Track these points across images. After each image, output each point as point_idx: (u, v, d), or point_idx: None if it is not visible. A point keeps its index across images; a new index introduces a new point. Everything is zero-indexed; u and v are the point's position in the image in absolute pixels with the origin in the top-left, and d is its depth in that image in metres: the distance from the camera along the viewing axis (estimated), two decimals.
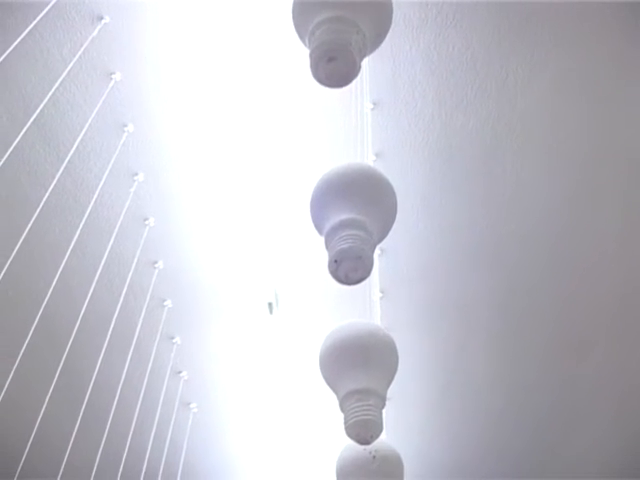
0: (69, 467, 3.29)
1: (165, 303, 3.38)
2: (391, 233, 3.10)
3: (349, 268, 1.52)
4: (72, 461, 3.31)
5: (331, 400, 3.51)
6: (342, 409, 1.62)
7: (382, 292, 3.21)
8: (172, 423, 3.64)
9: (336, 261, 1.53)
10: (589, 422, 3.84)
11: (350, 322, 1.69)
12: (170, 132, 2.93)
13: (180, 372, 3.60)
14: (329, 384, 1.68)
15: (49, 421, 3.26)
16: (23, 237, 2.74)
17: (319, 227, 1.63)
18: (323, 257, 3.13)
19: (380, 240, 1.60)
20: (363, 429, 1.59)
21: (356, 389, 1.60)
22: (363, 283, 2.62)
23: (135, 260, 3.19)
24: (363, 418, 1.58)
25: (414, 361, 3.46)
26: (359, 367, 1.61)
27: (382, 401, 1.61)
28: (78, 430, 3.24)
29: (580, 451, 3.94)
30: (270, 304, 3.25)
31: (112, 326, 3.23)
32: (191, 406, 3.70)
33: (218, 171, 2.99)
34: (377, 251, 3.09)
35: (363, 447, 1.71)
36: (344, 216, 1.55)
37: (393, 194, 1.64)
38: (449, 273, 3.32)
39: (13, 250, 2.70)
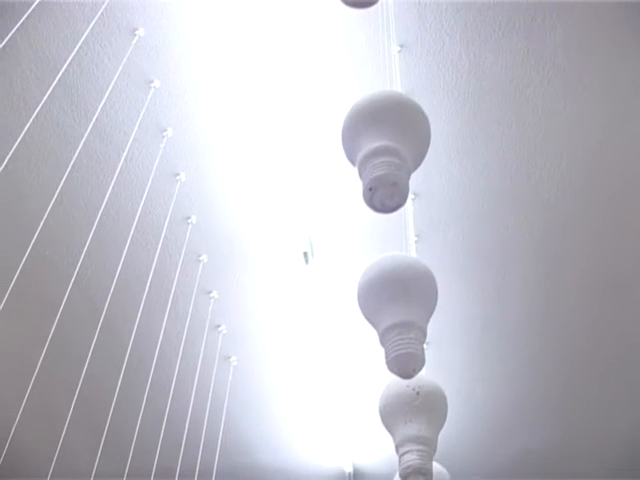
0: (113, 425, 3.33)
1: (200, 258, 3.38)
2: (424, 177, 3.11)
3: (385, 195, 1.49)
4: (115, 419, 3.34)
5: (371, 344, 3.51)
6: (382, 344, 1.60)
7: (417, 236, 3.20)
8: (213, 377, 3.66)
9: (371, 189, 1.49)
10: (628, 361, 3.81)
11: (388, 255, 1.66)
12: (197, 84, 2.91)
13: (219, 326, 3.61)
14: (368, 319, 1.65)
15: (91, 381, 3.29)
16: (54, 198, 2.74)
17: (352, 158, 1.59)
18: (357, 204, 3.12)
19: (415, 167, 1.56)
20: (405, 363, 1.57)
21: (396, 323, 1.57)
22: (398, 227, 2.61)
23: (168, 216, 3.19)
24: (404, 351, 1.56)
25: (451, 305, 3.44)
26: (399, 300, 1.59)
27: (423, 334, 1.59)
28: (120, 388, 3.26)
29: (618, 395, 3.92)
30: (305, 254, 3.24)
31: (149, 283, 3.24)
32: (231, 360, 3.72)
33: (246, 120, 2.97)
34: (411, 195, 3.06)
35: (406, 384, 1.69)
36: (377, 144, 1.51)
37: (426, 120, 1.61)
38: (483, 216, 3.29)
39: (46, 211, 2.71)
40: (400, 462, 1.61)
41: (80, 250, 2.96)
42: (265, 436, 3.98)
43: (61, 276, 3.18)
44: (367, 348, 3.55)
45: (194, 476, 3.85)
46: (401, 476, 1.60)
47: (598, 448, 4.01)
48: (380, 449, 3.98)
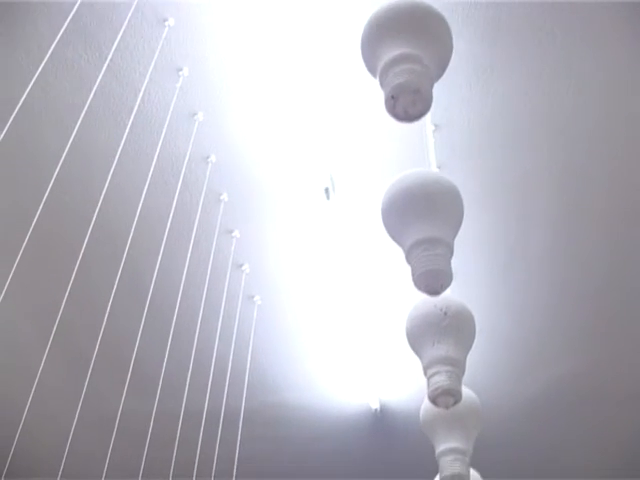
0: (138, 367, 3.34)
1: (221, 197, 3.36)
2: (445, 108, 3.06)
3: (407, 103, 1.45)
4: (140, 361, 3.36)
5: (394, 278, 3.50)
6: (409, 261, 1.58)
7: (439, 167, 3.16)
8: (237, 317, 3.66)
9: (393, 97, 1.45)
10: None
11: (412, 171, 1.63)
12: (212, 20, 2.86)
13: (241, 265, 3.60)
14: (394, 238, 1.62)
15: (115, 323, 3.31)
16: (71, 141, 2.72)
17: (372, 68, 1.55)
18: (377, 138, 3.08)
19: (438, 75, 1.52)
20: (432, 279, 1.55)
21: (423, 239, 1.55)
22: (420, 159, 2.58)
23: (187, 156, 3.17)
24: (432, 268, 1.54)
25: (475, 237, 3.41)
26: (424, 216, 1.56)
27: (450, 250, 1.57)
28: (144, 331, 3.27)
29: None
30: (327, 189, 3.21)
31: (169, 224, 3.23)
32: (255, 299, 3.72)
33: (264, 56, 2.92)
34: (432, 127, 3.02)
35: (434, 304, 1.66)
36: (397, 51, 1.47)
37: (447, 27, 1.56)
38: (505, 146, 3.25)
39: (62, 155, 2.69)
40: (429, 384, 1.60)
41: (99, 193, 2.94)
42: (291, 374, 3.99)
43: (81, 219, 3.16)
44: (391, 282, 3.54)
45: (220, 416, 3.87)
46: (430, 398, 1.58)
47: (627, 373, 4.00)
48: (407, 385, 3.99)
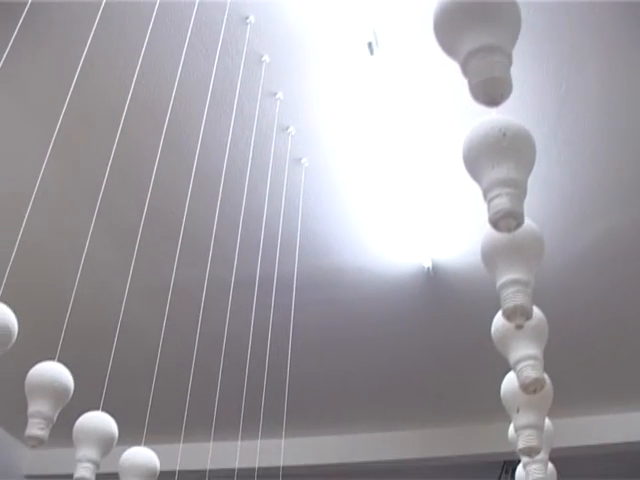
0: (188, 234, 3.33)
1: (262, 59, 3.26)
2: None
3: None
4: (189, 228, 3.35)
5: (443, 129, 3.40)
6: (465, 73, 1.48)
7: None
8: (285, 180, 3.61)
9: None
10: None
11: None
12: None
13: (287, 128, 3.52)
14: (448, 49, 1.52)
15: (161, 193, 3.29)
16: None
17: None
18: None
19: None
20: (491, 87, 1.46)
21: (479, 46, 1.46)
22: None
23: (225, 17, 3.06)
24: (490, 75, 1.47)
25: (525, 91, 3.29)
26: (481, 22, 1.47)
27: (509, 60, 1.48)
28: (191, 198, 3.25)
29: None
30: (370, 44, 3.08)
31: (211, 89, 3.16)
32: (302, 161, 3.65)
33: None
34: None
35: (491, 125, 1.57)
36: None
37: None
38: None
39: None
40: (489, 208, 1.52)
41: (135, 62, 2.87)
42: (342, 236, 3.96)
43: (120, 87, 3.10)
44: (439, 136, 3.45)
45: (273, 281, 3.88)
46: (491, 222, 1.51)
47: None
48: (459, 243, 3.94)
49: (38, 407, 2.08)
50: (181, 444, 3.53)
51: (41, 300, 4.27)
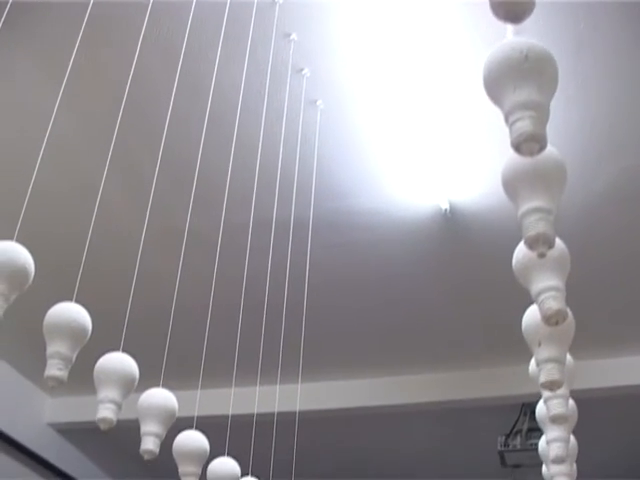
0: (201, 179, 3.31)
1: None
2: None
3: None
4: (203, 173, 3.33)
5: (462, 68, 3.35)
6: None
7: None
8: (300, 123, 3.58)
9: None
10: None
11: None
12: None
13: (301, 70, 3.48)
14: None
15: (175, 135, 3.26)
16: None
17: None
18: None
19: None
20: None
21: None
22: None
23: None
24: None
25: (542, 30, 3.22)
26: None
27: None
28: (205, 142, 3.22)
29: None
30: None
31: (223, 29, 3.11)
32: (317, 103, 3.61)
33: None
34: None
35: (512, 47, 1.53)
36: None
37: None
38: None
39: None
40: (511, 132, 1.49)
41: (147, 2, 2.83)
42: (359, 179, 3.93)
43: (132, 31, 3.06)
44: (458, 75, 3.39)
45: (290, 224, 3.87)
46: (513, 146, 1.48)
47: None
48: (476, 183, 3.90)
49: (56, 348, 2.07)
50: (199, 390, 3.54)
51: (56, 245, 4.27)
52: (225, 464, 2.87)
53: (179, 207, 3.80)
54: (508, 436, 5.64)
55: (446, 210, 4.00)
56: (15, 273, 1.99)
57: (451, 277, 4.57)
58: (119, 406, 2.23)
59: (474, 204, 4.01)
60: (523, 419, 5.64)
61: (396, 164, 3.80)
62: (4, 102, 3.72)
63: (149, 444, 2.37)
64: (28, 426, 5.94)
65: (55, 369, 2.06)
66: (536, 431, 5.45)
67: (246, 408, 4.37)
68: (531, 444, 5.47)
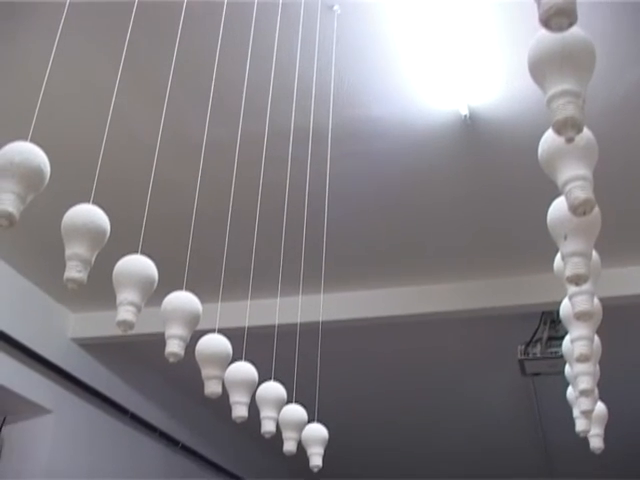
0: (217, 91, 3.27)
1: None
2: None
3: None
4: (219, 84, 3.28)
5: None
6: None
7: None
8: (317, 29, 3.50)
9: None
10: None
11: None
12: None
13: None
14: None
15: (188, 45, 3.19)
16: None
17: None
18: None
19: None
20: None
21: None
22: None
23: None
24: None
25: None
26: None
27: None
28: (221, 52, 3.17)
29: None
30: None
31: None
32: (334, 8, 3.52)
33: None
34: None
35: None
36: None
37: None
38: None
39: None
40: (539, 7, 1.43)
41: None
42: (377, 85, 3.85)
43: None
44: None
45: (309, 133, 3.82)
46: (542, 22, 1.43)
47: None
48: (497, 88, 3.81)
49: (75, 249, 2.06)
50: (220, 301, 3.53)
51: (71, 152, 4.22)
52: (244, 366, 2.87)
53: (195, 118, 3.76)
54: (528, 345, 5.66)
55: (466, 116, 3.93)
56: (31, 173, 1.96)
57: (471, 184, 4.52)
58: (139, 308, 2.22)
59: (494, 110, 3.93)
60: (543, 328, 5.65)
61: (415, 70, 3.72)
62: None
63: (174, 347, 2.37)
64: (52, 342, 6.01)
65: (74, 271, 2.04)
66: (556, 339, 5.48)
67: (267, 319, 4.38)
68: (551, 352, 5.50)
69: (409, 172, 4.40)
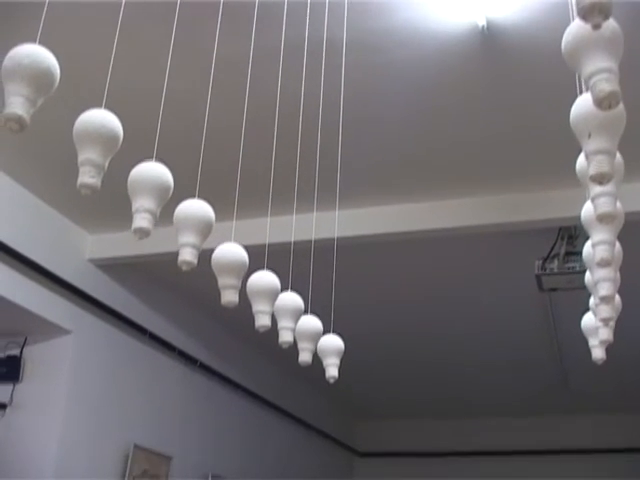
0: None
1: None
2: None
3: None
4: None
5: None
6: None
7: None
8: None
9: None
10: None
11: None
12: None
13: None
14: None
15: None
16: None
17: None
18: None
19: None
20: None
21: None
22: None
23: None
24: None
25: None
26: None
27: None
28: None
29: None
30: None
31: None
32: None
33: None
34: None
35: None
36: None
37: None
38: None
39: None
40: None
41: None
42: None
43: None
44: None
45: (323, 45, 3.76)
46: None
47: None
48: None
49: (87, 154, 2.02)
50: (234, 219, 3.50)
51: (82, 66, 4.16)
52: (266, 274, 2.86)
53: (206, 34, 3.70)
54: (545, 260, 5.64)
55: (483, 27, 3.84)
56: (40, 75, 1.92)
57: (488, 96, 4.44)
58: (154, 216, 2.20)
59: (512, 20, 3.84)
60: (560, 243, 5.62)
61: None
62: None
63: (187, 255, 2.34)
64: (70, 263, 6.04)
65: (87, 176, 2.01)
66: (573, 255, 5.45)
67: (283, 236, 4.36)
68: (568, 268, 5.48)
69: (425, 83, 4.32)
